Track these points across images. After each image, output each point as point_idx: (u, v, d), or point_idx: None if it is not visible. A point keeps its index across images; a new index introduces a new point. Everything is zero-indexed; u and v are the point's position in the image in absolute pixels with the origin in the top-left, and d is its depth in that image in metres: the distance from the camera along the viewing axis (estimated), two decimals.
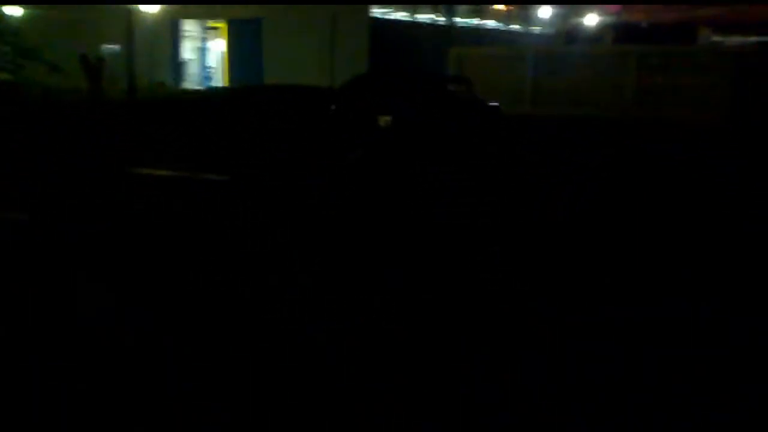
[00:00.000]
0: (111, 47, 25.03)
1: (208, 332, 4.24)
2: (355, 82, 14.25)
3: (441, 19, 25.65)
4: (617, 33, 25.10)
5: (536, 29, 31.31)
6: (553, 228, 6.58)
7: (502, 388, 3.58)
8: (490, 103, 14.16)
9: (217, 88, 22.82)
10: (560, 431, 3.26)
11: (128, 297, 4.83)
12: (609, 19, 29.72)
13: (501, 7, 29.41)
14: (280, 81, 19.49)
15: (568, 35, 25.35)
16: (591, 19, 30.21)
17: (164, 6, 24.25)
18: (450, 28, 24.73)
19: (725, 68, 17.17)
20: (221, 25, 25.74)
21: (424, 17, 25.21)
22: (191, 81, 27.06)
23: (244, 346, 4.05)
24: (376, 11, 24.05)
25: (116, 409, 3.38)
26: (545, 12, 30.63)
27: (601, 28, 28.16)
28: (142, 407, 3.40)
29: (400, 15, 25.12)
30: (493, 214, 7.06)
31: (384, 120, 11.60)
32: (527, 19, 31.05)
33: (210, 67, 27.60)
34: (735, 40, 25.27)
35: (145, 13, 23.77)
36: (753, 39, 26.08)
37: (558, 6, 28.84)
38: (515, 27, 30.70)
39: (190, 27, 26.95)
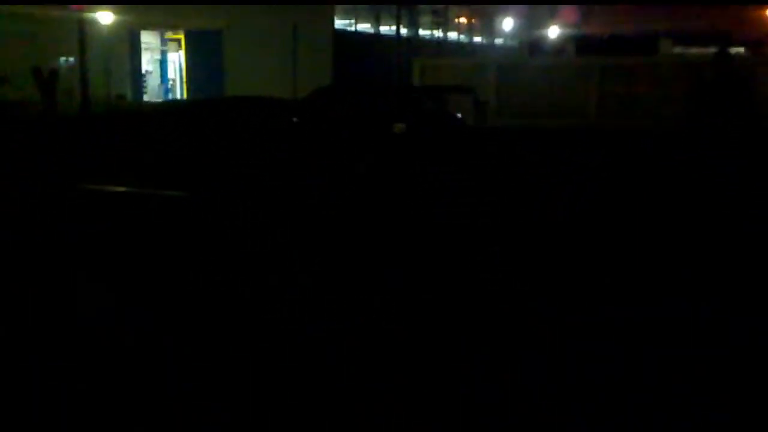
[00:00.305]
0: (68, 60, 24.46)
1: (208, 332, 4.23)
2: (319, 94, 14.02)
3: (404, 31, 25.57)
4: (579, 45, 25.29)
5: (499, 41, 31.46)
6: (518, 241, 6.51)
7: (502, 388, 3.59)
8: (456, 115, 14.05)
9: (176, 101, 22.40)
10: (560, 431, 3.25)
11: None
12: (571, 31, 30.01)
13: (463, 19, 29.49)
14: (242, 93, 19.15)
15: (531, 47, 25.47)
16: (553, 32, 30.47)
17: (122, 17, 23.77)
18: (413, 40, 24.68)
19: (683, 79, 17.34)
20: (180, 36, 25.33)
21: (387, 29, 25.13)
22: (152, 94, 26.58)
23: (244, 346, 4.04)
24: (340, 23, 23.90)
25: (116, 409, 3.37)
26: (508, 24, 30.81)
27: (563, 41, 28.40)
28: (142, 407, 3.39)
29: (363, 27, 25.01)
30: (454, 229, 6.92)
31: (399, 127, 11.59)
32: (490, 32, 31.20)
33: (171, 80, 27.14)
34: (694, 51, 25.65)
35: (101, 24, 23.26)
36: (711, 50, 26.41)
37: (521, 18, 28.98)
38: (478, 39, 30.81)
39: (149, 39, 26.50)
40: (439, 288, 5.05)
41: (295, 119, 13.65)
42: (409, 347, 4.04)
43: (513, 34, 31.08)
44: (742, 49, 30.94)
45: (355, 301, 4.78)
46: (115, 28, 24.41)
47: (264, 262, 5.72)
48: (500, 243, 6.35)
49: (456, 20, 29.64)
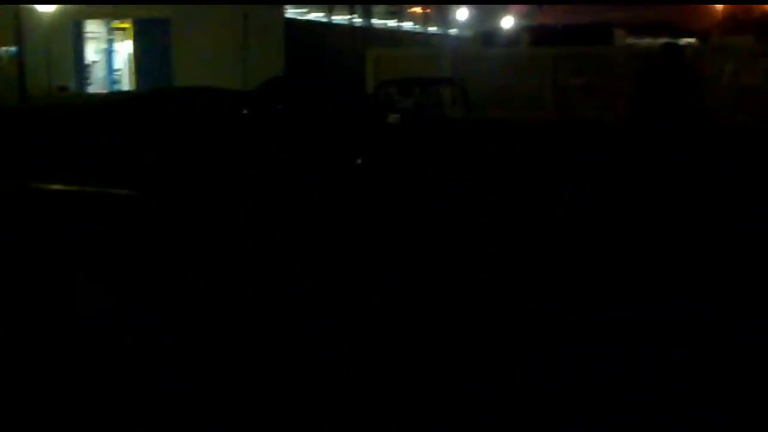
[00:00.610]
0: (8, 50, 23.49)
1: (208, 332, 4.21)
2: (269, 85, 13.61)
3: (358, 21, 25.23)
4: (534, 35, 25.23)
5: (454, 31, 31.31)
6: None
7: (502, 388, 3.60)
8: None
9: (116, 92, 21.71)
10: (560, 431, 3.26)
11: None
12: (525, 21, 30.00)
13: (418, 9, 29.24)
14: (191, 84, 18.59)
15: (486, 37, 25.33)
16: (508, 22, 30.41)
17: (63, 6, 22.94)
18: (367, 30, 24.35)
19: (633, 69, 17.33)
20: (127, 25, 24.57)
21: (340, 18, 24.74)
22: (97, 85, 25.74)
23: (244, 346, 4.04)
24: (291, 12, 23.42)
25: (116, 409, 3.36)
26: (462, 14, 30.67)
27: (518, 31, 28.35)
28: (142, 407, 3.39)
29: (316, 16, 24.57)
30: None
31: (393, 118, 11.45)
32: (445, 22, 31.03)
33: (117, 70, 26.32)
34: (647, 41, 25.85)
35: (42, 12, 22.38)
36: (663, 40, 26.67)
37: (475, 8, 28.86)
38: (433, 29, 30.62)
39: (94, 28, 25.66)
40: (439, 288, 5.04)
41: (244, 111, 13.24)
42: (409, 347, 4.04)
43: (468, 24, 30.96)
44: (693, 40, 31.28)
45: (354, 301, 4.76)
46: (57, 17, 23.54)
47: (214, 263, 5.48)
48: (493, 241, 6.30)
49: (411, 10, 29.38)
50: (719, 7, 36.74)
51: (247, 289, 4.97)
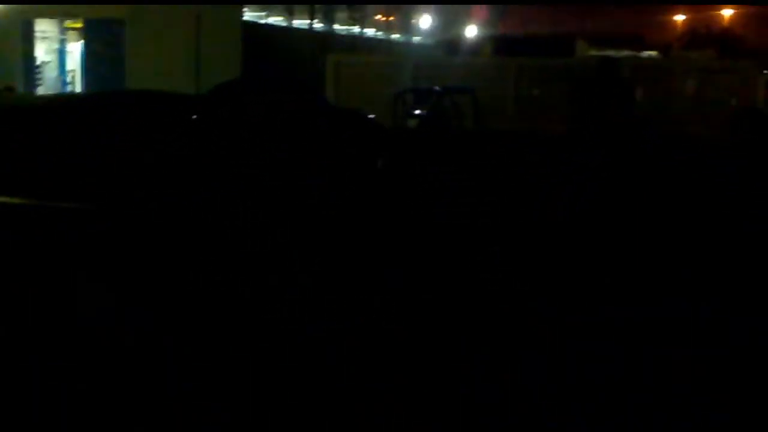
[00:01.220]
0: None
1: (208, 332, 4.22)
2: (221, 90, 13.03)
3: (319, 26, 24.80)
4: (496, 45, 25.09)
5: (417, 39, 31.09)
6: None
7: (502, 388, 3.62)
8: (368, 116, 13.36)
9: (65, 95, 20.99)
10: (560, 431, 3.28)
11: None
12: (488, 31, 29.93)
13: (381, 16, 28.94)
14: (143, 87, 17.97)
15: (448, 46, 25.13)
16: (470, 31, 30.31)
17: (12, 5, 22.15)
18: (328, 35, 23.96)
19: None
20: (81, 25, 23.85)
21: (301, 23, 24.28)
22: (48, 86, 24.94)
23: (244, 346, 4.05)
24: (250, 15, 22.89)
25: (116, 409, 3.37)
26: (425, 22, 30.47)
27: (480, 40, 28.22)
28: (142, 407, 3.39)
29: (276, 20, 24.07)
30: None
31: (413, 122, 11.72)
32: (407, 29, 30.79)
33: (71, 71, 25.55)
34: (609, 53, 25.86)
35: None
36: (625, 53, 26.81)
37: (438, 16, 28.68)
38: (395, 36, 30.35)
39: (46, 27, 24.88)
40: (439, 288, 5.05)
41: (194, 117, 12.71)
42: (409, 347, 4.06)
43: (430, 32, 30.77)
44: (654, 53, 31.52)
45: (354, 301, 4.77)
46: (6, 16, 22.73)
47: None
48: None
49: (373, 16, 29.07)
50: (680, 20, 37.17)
51: (246, 289, 4.99)
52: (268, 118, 12.78)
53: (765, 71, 19.99)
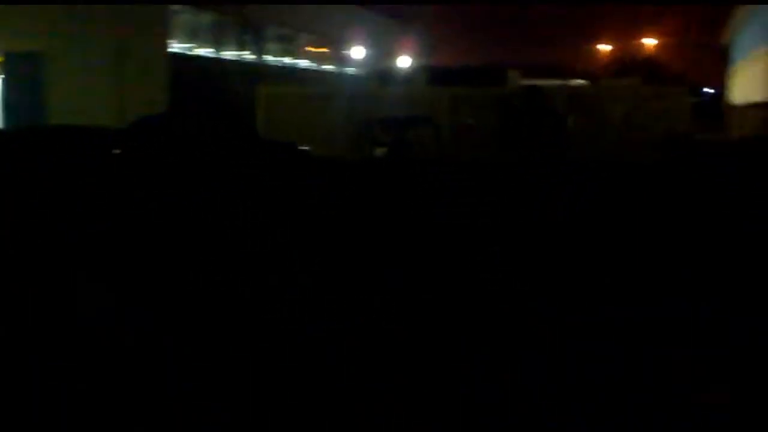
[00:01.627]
0: None
1: (208, 332, 4.27)
2: (144, 124, 12.45)
3: (249, 57, 24.31)
4: (429, 75, 25.06)
5: (350, 70, 30.87)
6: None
7: (502, 388, 3.64)
8: (300, 147, 12.99)
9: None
10: (560, 431, 3.29)
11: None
12: (421, 61, 29.96)
13: (312, 47, 28.67)
14: (66, 122, 17.23)
15: (382, 76, 24.97)
16: (403, 61, 30.28)
17: None
18: (259, 66, 23.49)
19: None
20: (1, 59, 22.88)
21: (230, 54, 23.76)
22: None
23: (244, 346, 4.08)
24: (177, 47, 22.28)
25: (116, 409, 3.37)
26: (358, 53, 30.30)
27: (414, 70, 28.20)
28: (142, 407, 3.40)
29: (205, 51, 23.48)
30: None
31: (380, 150, 12.48)
32: (340, 60, 30.56)
33: None
34: (540, 83, 26.15)
35: None
36: (556, 82, 27.17)
37: (371, 48, 28.58)
38: (328, 67, 30.06)
39: None
40: (439, 288, 5.10)
41: (116, 151, 12.08)
42: (409, 347, 4.09)
43: (363, 63, 30.62)
44: (583, 81, 32.08)
45: (354, 301, 4.83)
46: None
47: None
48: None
49: (306, 47, 28.75)
50: (606, 50, 38.10)
51: (246, 290, 5.07)
52: (193, 151, 12.28)
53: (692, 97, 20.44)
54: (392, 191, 11.68)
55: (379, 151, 12.33)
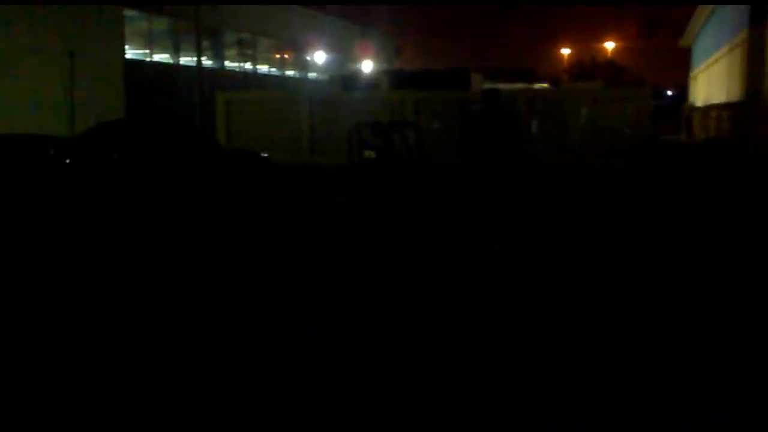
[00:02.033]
0: None
1: (208, 332, 4.29)
2: (97, 131, 12.09)
3: (208, 63, 23.93)
4: (393, 79, 24.96)
5: (312, 75, 30.63)
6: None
7: (502, 388, 3.65)
8: (260, 154, 12.77)
9: None
10: (560, 431, 3.30)
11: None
12: (384, 66, 29.87)
13: (273, 53, 28.38)
14: (16, 130, 16.72)
15: (344, 81, 24.80)
16: (366, 66, 30.15)
17: None
18: (218, 72, 23.11)
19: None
20: None
21: (188, 60, 23.36)
22: None
23: (244, 346, 4.10)
24: (132, 53, 21.84)
25: (116, 409, 3.37)
26: (320, 58, 30.08)
27: (377, 74, 28.08)
28: (142, 407, 3.40)
29: (162, 57, 23.06)
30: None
31: (368, 153, 12.62)
32: (301, 65, 30.30)
33: None
34: (503, 86, 26.25)
35: None
36: (519, 85, 27.29)
37: (333, 53, 28.40)
38: (289, 72, 29.77)
39: None
40: (439, 288, 5.13)
41: (67, 160, 11.70)
42: (409, 347, 4.11)
43: (326, 68, 30.40)
44: (546, 84, 32.29)
45: (354, 301, 4.86)
46: None
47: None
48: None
49: (266, 53, 28.44)
50: (567, 53, 38.46)
51: (247, 290, 5.08)
52: (152, 158, 11.95)
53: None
54: (387, 192, 11.41)
55: (368, 154, 12.65)
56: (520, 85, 27.69)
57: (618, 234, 7.61)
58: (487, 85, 26.58)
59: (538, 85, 31.16)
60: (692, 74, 32.02)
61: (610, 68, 37.25)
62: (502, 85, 27.24)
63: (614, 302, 4.95)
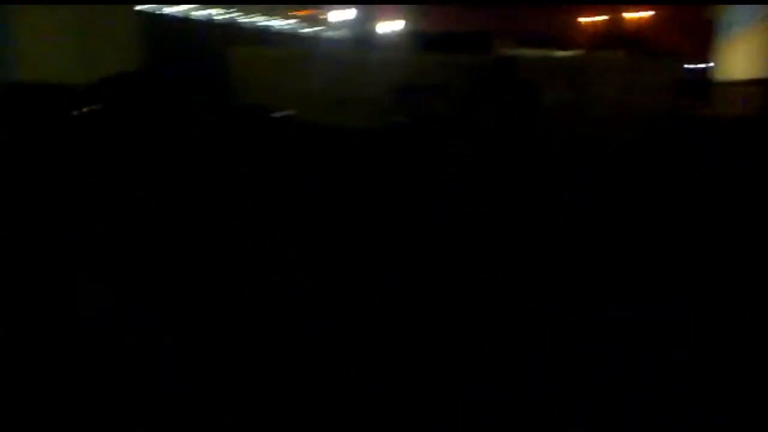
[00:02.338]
0: None
1: (208, 332, 4.29)
2: (117, 79, 11.94)
3: (224, 17, 23.60)
4: (413, 40, 24.51)
5: (331, 33, 30.29)
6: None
7: (502, 388, 3.67)
8: (281, 113, 12.57)
9: None
10: (560, 431, 3.32)
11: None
12: (405, 27, 29.44)
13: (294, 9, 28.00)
14: (34, 77, 16.64)
15: (363, 40, 24.41)
16: (387, 26, 29.73)
17: None
18: (232, 26, 22.78)
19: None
20: None
21: (202, 13, 23.04)
22: None
23: (244, 346, 4.10)
24: (145, 5, 21.57)
25: (116, 409, 3.37)
26: (339, 15, 29.67)
27: (398, 35, 27.64)
28: (143, 407, 3.40)
29: (175, 9, 22.76)
30: None
31: (403, 118, 12.12)
32: (321, 23, 29.94)
33: None
34: (530, 51, 25.81)
35: None
36: (547, 51, 26.84)
37: (354, 11, 27.99)
38: (308, 29, 29.43)
39: None
40: (439, 288, 5.16)
41: (83, 109, 11.55)
42: (409, 347, 4.13)
43: (345, 26, 30.03)
44: (569, 53, 31.78)
45: (355, 301, 4.87)
46: None
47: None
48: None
49: (284, 8, 28.08)
50: (591, 21, 37.84)
51: (246, 289, 5.08)
52: (168, 111, 11.76)
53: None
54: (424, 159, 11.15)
55: (402, 119, 12.29)
56: (542, 51, 27.19)
57: (619, 218, 7.42)
58: (510, 51, 26.08)
59: (560, 52, 30.62)
60: (721, 46, 31.36)
61: (634, 37, 36.61)
62: (525, 51, 26.75)
63: (618, 300, 4.95)
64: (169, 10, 22.84)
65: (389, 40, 26.73)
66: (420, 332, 4.35)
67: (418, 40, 26.12)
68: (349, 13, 30.00)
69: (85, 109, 11.11)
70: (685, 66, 31.38)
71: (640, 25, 37.68)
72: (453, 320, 4.56)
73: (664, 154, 13.38)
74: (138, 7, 21.64)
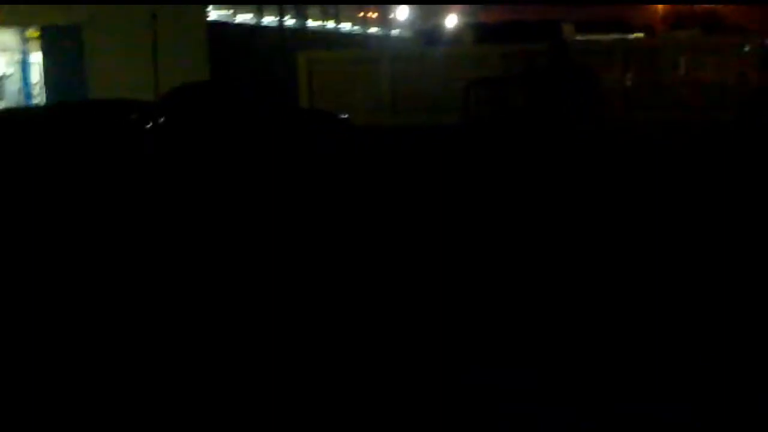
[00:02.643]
0: None
1: (208, 332, 4.33)
2: (179, 94, 12.08)
3: (291, 22, 23.77)
4: (477, 33, 24.17)
5: (395, 32, 30.20)
6: None
7: (502, 388, 3.67)
8: (340, 116, 12.49)
9: (20, 108, 19.89)
10: (559, 429, 3.32)
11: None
12: (468, 19, 29.06)
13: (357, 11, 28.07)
14: (105, 95, 17.03)
15: (427, 36, 24.20)
16: (450, 20, 29.44)
17: None
18: (300, 32, 22.94)
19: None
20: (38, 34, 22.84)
21: (271, 20, 23.26)
22: (10, 100, 23.96)
23: (244, 347, 4.13)
24: (215, 14, 21.87)
25: (116, 410, 3.39)
26: (402, 13, 29.55)
27: (460, 29, 27.32)
28: (143, 407, 3.42)
29: (245, 18, 23.03)
30: None
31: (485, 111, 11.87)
32: (384, 22, 29.87)
33: (36, 83, 24.65)
34: (597, 37, 25.12)
35: None
36: (613, 37, 26.16)
37: (416, 8, 27.84)
38: (372, 30, 29.41)
39: (6, 38, 23.87)
40: (439, 288, 5.19)
41: (150, 124, 11.72)
42: (409, 348, 4.14)
43: (408, 24, 29.88)
44: (641, 35, 30.88)
45: (355, 301, 4.92)
46: None
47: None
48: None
49: (349, 10, 28.14)
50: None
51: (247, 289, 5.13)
52: (234, 121, 11.85)
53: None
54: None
55: (484, 114, 11.93)
56: (613, 36, 26.38)
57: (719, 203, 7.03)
58: (579, 37, 25.42)
59: (632, 36, 29.67)
60: None
61: (708, 16, 35.14)
62: (595, 36, 26.00)
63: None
64: (239, 18, 23.16)
65: (455, 34, 26.46)
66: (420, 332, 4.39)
67: (483, 32, 25.78)
68: (415, 10, 29.88)
69: (156, 122, 11.31)
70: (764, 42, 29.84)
71: (714, 3, 36.22)
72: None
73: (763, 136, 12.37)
74: (209, 18, 22.01)
